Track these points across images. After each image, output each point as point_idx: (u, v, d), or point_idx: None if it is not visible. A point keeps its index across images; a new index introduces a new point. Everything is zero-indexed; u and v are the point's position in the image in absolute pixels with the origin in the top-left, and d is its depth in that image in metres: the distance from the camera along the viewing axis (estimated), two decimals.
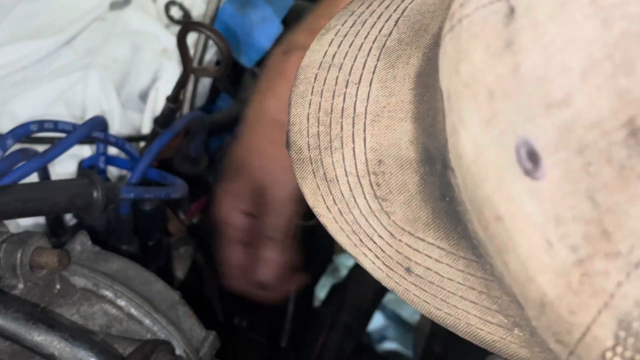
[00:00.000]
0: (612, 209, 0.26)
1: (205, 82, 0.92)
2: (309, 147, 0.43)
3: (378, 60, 0.43)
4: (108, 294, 0.54)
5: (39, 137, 0.68)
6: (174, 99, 0.80)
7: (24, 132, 0.62)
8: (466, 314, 0.38)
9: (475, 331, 0.38)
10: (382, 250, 0.40)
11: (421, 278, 0.39)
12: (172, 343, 0.52)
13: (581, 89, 0.27)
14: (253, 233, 0.79)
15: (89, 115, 0.83)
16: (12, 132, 0.60)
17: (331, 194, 0.42)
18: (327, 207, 0.42)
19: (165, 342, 0.51)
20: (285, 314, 0.98)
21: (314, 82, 0.44)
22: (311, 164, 0.43)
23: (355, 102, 0.42)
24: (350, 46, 0.44)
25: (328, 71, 0.44)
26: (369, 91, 0.42)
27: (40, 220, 0.73)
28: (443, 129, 0.38)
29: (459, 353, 0.83)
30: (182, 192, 0.69)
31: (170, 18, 0.93)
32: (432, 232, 0.39)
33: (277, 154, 0.75)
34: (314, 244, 1.06)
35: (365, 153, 0.41)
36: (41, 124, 0.64)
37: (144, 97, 0.90)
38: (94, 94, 0.84)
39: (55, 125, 0.64)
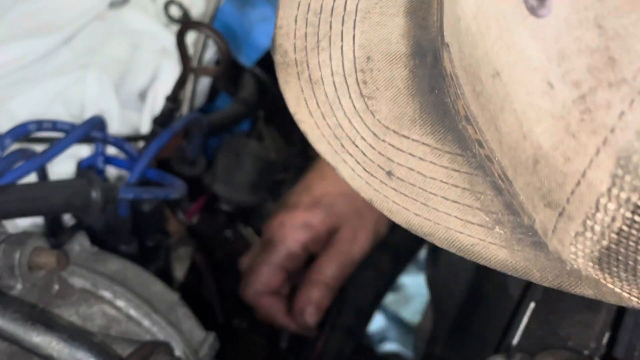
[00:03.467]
0: (620, 33, 0.26)
1: (205, 82, 0.92)
2: (295, 49, 0.42)
3: None
4: (107, 294, 0.53)
5: (38, 137, 0.68)
6: (173, 99, 0.80)
7: (22, 132, 0.61)
8: (446, 217, 0.37)
9: (454, 235, 0.37)
10: (363, 154, 0.40)
11: (402, 181, 0.38)
12: (171, 344, 0.52)
13: None
14: (303, 267, 0.79)
15: (88, 114, 0.83)
16: (11, 131, 0.60)
17: (315, 96, 0.41)
18: (309, 111, 0.41)
19: (164, 344, 0.51)
20: None
21: None
22: (296, 66, 0.42)
23: (346, 0, 0.41)
24: None
25: None
26: None
27: (39, 220, 0.72)
28: (436, 19, 0.38)
29: (460, 354, 0.83)
30: (181, 192, 0.68)
31: (170, 17, 0.92)
32: (417, 128, 0.39)
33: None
34: None
35: (353, 51, 0.40)
36: (40, 124, 0.63)
37: (143, 96, 0.89)
38: (92, 93, 0.84)
39: (54, 125, 0.64)
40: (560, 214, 0.30)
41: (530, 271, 0.35)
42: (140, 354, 0.47)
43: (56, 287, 0.52)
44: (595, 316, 0.49)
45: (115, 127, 0.84)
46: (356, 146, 0.40)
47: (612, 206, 0.28)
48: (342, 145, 0.40)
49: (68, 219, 0.74)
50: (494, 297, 0.73)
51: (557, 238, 0.31)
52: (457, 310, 0.84)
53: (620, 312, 0.50)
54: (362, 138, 0.40)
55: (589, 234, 0.29)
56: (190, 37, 0.84)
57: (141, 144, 0.83)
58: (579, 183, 0.29)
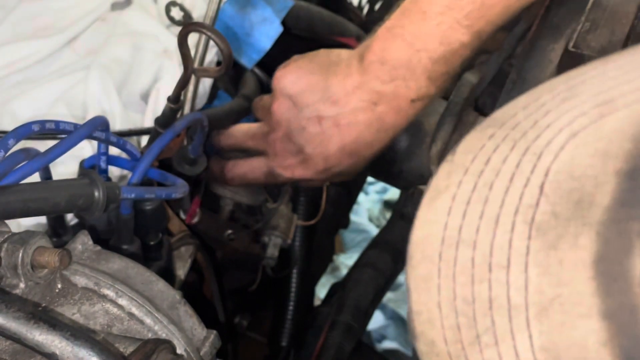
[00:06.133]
0: None
1: (206, 83, 0.92)
2: (445, 340, 0.36)
3: (529, 238, 0.35)
4: (109, 293, 0.54)
5: (40, 137, 0.69)
6: (175, 100, 0.80)
7: (25, 132, 0.62)
8: None
9: None
10: None
11: None
12: (173, 342, 0.52)
13: None
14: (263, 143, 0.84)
15: (90, 115, 0.83)
16: (14, 132, 0.60)
17: None
18: None
19: (166, 342, 0.51)
20: (285, 313, 0.99)
21: (439, 262, 0.37)
22: (450, 359, 0.36)
23: (508, 291, 0.34)
24: (480, 218, 0.36)
25: (457, 249, 0.36)
26: (526, 278, 0.34)
27: (42, 219, 0.73)
28: None
29: None
30: (183, 192, 0.69)
31: (171, 19, 0.93)
32: None
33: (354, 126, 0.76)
34: (314, 243, 1.06)
35: (533, 352, 0.34)
36: (42, 124, 0.64)
37: (145, 97, 0.90)
38: (95, 94, 0.85)
39: (57, 126, 0.65)
40: None
41: None
42: (142, 352, 0.47)
43: (59, 285, 0.53)
44: None
45: (118, 127, 0.84)
46: None
47: None
48: None
49: (70, 218, 0.75)
50: None
51: None
52: None
53: None
54: None
55: None
56: (192, 38, 0.84)
57: (144, 139, 0.84)
58: None
